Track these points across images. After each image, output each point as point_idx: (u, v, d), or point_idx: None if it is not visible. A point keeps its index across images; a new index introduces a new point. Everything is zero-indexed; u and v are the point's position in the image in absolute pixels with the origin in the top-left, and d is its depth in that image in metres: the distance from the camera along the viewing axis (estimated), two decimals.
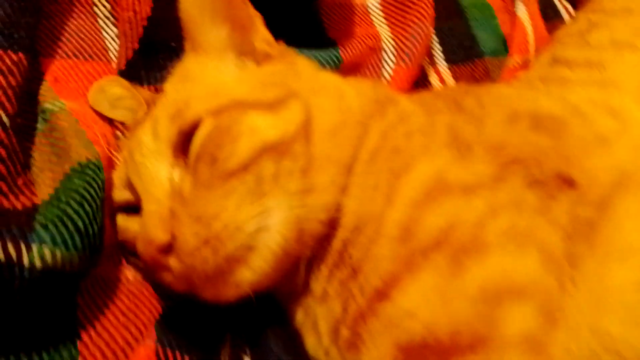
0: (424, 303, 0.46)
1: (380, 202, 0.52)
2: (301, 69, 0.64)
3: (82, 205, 0.53)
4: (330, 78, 0.66)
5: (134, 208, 0.57)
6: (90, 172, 0.56)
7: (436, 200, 0.50)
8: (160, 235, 0.49)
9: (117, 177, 0.60)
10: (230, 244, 0.49)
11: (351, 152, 0.56)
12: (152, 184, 0.53)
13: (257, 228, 0.50)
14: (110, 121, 0.68)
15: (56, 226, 0.51)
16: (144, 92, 0.69)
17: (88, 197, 0.54)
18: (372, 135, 0.57)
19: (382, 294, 0.49)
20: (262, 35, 0.62)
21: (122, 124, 0.69)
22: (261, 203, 0.51)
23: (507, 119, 0.57)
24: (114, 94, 0.68)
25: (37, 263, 0.48)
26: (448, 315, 0.45)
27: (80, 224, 0.52)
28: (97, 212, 0.55)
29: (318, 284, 0.55)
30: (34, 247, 0.48)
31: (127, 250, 0.61)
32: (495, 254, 0.47)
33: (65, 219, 0.51)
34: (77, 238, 0.51)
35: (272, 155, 0.52)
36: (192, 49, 0.62)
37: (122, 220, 0.60)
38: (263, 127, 0.53)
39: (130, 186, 0.57)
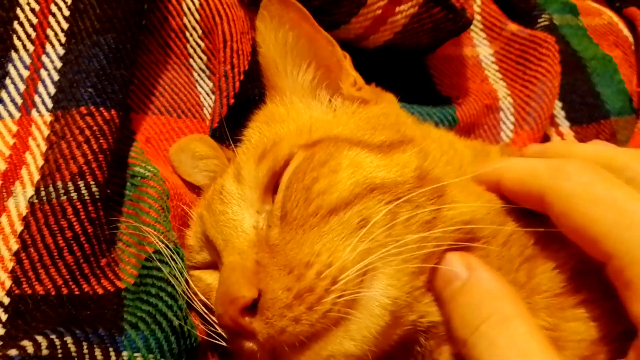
0: None
1: None
2: (405, 116, 0.55)
3: (175, 299, 0.45)
4: (443, 133, 0.56)
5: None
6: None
7: None
8: (244, 292, 0.39)
9: (192, 237, 0.52)
10: (327, 296, 0.38)
11: None
12: (235, 233, 0.44)
13: (361, 274, 0.39)
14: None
15: (147, 325, 0.43)
16: (229, 152, 0.61)
17: (180, 288, 0.46)
18: None
19: None
20: (351, 78, 0.54)
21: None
22: (368, 248, 0.40)
23: None
24: (198, 152, 0.60)
25: None
26: None
27: (175, 321, 0.43)
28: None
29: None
30: (125, 355, 0.40)
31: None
32: None
33: (158, 316, 0.43)
34: (172, 340, 0.43)
35: (386, 197, 0.42)
36: (274, 96, 0.56)
37: (197, 273, 0.51)
38: (369, 165, 0.44)
39: (208, 245, 0.49)
